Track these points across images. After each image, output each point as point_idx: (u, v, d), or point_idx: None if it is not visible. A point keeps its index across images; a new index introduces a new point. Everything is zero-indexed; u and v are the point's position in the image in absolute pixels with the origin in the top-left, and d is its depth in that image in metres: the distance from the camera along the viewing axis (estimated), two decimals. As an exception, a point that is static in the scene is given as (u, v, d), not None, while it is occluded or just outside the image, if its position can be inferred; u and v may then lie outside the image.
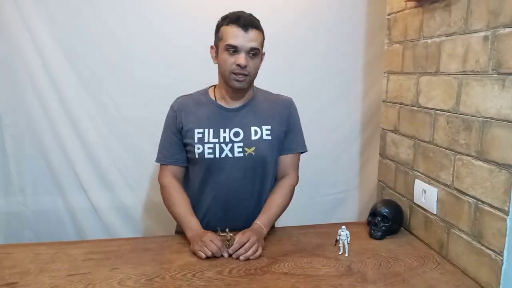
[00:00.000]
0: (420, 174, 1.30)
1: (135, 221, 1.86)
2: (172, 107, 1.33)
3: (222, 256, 1.17)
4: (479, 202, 1.03)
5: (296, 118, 1.36)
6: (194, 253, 1.18)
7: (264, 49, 1.26)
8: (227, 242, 1.18)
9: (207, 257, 1.16)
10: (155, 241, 1.31)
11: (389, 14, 1.50)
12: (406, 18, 1.38)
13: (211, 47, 1.28)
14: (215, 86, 1.34)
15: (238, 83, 1.22)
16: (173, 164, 1.32)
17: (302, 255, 1.18)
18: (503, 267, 0.95)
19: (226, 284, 1.03)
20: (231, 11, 1.23)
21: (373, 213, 1.34)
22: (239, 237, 1.18)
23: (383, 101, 1.55)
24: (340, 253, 1.19)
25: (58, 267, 1.13)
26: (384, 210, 1.32)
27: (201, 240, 1.19)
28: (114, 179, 1.80)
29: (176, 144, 1.30)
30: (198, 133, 1.26)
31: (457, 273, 1.09)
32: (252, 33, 1.19)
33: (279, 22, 1.72)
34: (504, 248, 0.94)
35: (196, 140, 1.26)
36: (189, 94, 1.35)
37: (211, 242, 1.18)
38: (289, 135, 1.34)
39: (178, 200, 1.29)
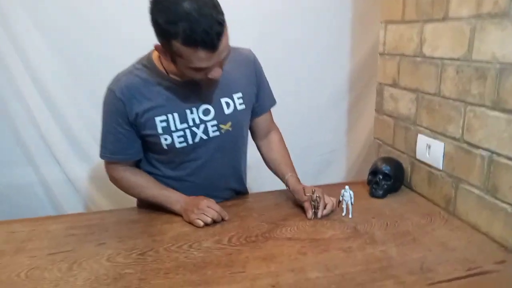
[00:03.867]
0: (423, 129, 1.23)
1: (117, 193, 1.74)
2: (113, 92, 1.04)
3: (224, 219, 1.10)
4: (494, 155, 0.97)
5: (261, 72, 1.21)
6: (191, 223, 1.09)
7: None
8: (313, 203, 1.10)
9: (206, 225, 1.07)
10: (143, 211, 1.21)
11: (387, -43, 1.38)
12: (407, -41, 1.26)
13: (156, 47, 0.96)
14: None
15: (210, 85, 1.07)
16: (125, 160, 1.14)
17: (304, 219, 1.11)
18: (519, 220, 0.91)
19: (227, 254, 0.95)
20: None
21: (374, 171, 1.27)
22: (323, 199, 1.11)
23: (380, 54, 1.45)
24: (343, 214, 1.13)
25: (36, 245, 1.01)
26: (386, 168, 1.26)
27: (197, 207, 1.09)
28: (89, 149, 1.65)
29: (126, 137, 1.08)
30: (161, 121, 1.05)
31: (467, 229, 1.05)
32: (222, 43, 0.90)
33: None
34: (520, 201, 0.90)
35: (160, 131, 1.06)
36: (131, 70, 1.06)
37: (209, 208, 1.09)
38: (260, 94, 1.21)
39: (145, 183, 1.15)
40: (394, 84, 1.37)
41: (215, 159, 1.16)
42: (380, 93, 1.47)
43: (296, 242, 1.00)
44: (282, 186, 1.27)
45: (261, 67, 1.23)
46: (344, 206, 1.12)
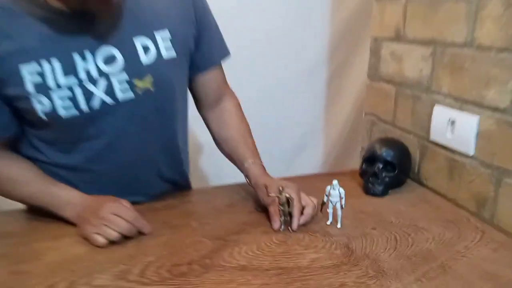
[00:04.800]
0: (443, 98, 0.85)
1: None
2: None
3: (143, 233, 0.69)
4: None
5: (206, 8, 0.81)
6: (88, 239, 0.67)
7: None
8: (281, 208, 0.70)
9: (113, 243, 0.66)
10: (27, 217, 0.78)
11: None
12: None
13: None
14: None
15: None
16: None
17: (268, 230, 0.72)
18: None
19: (132, 303, 0.55)
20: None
21: (371, 159, 0.89)
22: (298, 201, 0.72)
23: (377, -2, 1.06)
24: (328, 223, 0.75)
25: None
26: (387, 153, 0.88)
27: (98, 215, 0.67)
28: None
29: None
30: (31, 73, 0.64)
31: (518, 248, 0.69)
32: None
33: None
34: None
35: (31, 89, 0.65)
36: None
37: (117, 216, 0.67)
38: (204, 39, 0.80)
39: (22, 175, 0.73)
40: (398, 37, 0.99)
41: (131, 137, 0.74)
42: (375, 53, 1.08)
43: (254, 274, 0.60)
44: (232, 178, 0.88)
45: (205, 3, 0.81)
46: (330, 210, 0.74)
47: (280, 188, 0.69)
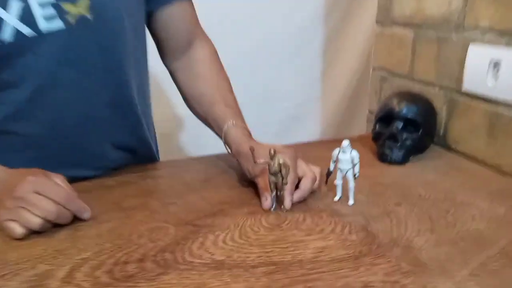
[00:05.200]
0: (481, 34, 0.66)
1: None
2: None
3: (81, 218, 0.50)
4: None
5: None
6: (0, 228, 0.48)
7: None
8: (272, 178, 0.51)
9: (36, 233, 0.47)
10: None
11: None
12: None
13: None
14: None
15: None
16: None
17: (255, 211, 0.53)
18: None
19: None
20: None
21: (387, 117, 0.70)
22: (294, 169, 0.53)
23: None
24: (336, 198, 0.55)
25: None
26: (409, 110, 0.68)
27: (16, 196, 0.47)
28: None
29: None
30: None
31: None
32: None
33: None
34: None
35: None
36: None
37: (41, 195, 0.47)
38: None
39: None
40: (416, -34, 0.78)
41: (65, 86, 0.54)
42: (386, -9, 0.88)
43: (234, 274, 0.41)
44: (216, 148, 0.69)
45: None
46: (338, 182, 0.55)
47: (272, 152, 0.50)
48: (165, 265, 0.42)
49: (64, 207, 0.48)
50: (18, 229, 0.46)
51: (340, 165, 0.54)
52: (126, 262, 0.43)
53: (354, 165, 0.53)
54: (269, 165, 0.50)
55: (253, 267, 0.42)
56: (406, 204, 0.55)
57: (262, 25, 1.20)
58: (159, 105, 0.83)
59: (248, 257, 0.43)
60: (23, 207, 0.46)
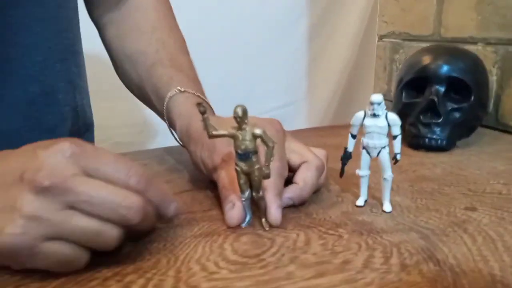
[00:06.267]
0: None
1: None
2: None
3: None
4: None
5: None
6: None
7: None
8: (245, 167, 0.26)
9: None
10: None
11: None
12: None
13: None
14: None
15: None
16: None
17: (218, 231, 0.28)
18: None
19: None
20: None
21: (420, 79, 0.46)
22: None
23: None
24: (360, 202, 0.31)
25: None
26: (455, 67, 0.45)
27: (40, 184, 0.20)
28: None
29: None
30: None
31: None
32: None
33: None
34: None
35: None
36: None
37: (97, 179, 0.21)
38: None
39: None
40: None
41: None
42: None
43: None
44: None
45: None
46: (363, 173, 0.31)
47: (239, 112, 0.25)
48: None
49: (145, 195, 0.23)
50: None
51: (366, 141, 0.30)
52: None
53: (394, 139, 0.29)
54: (234, 140, 0.26)
55: None
56: (485, 208, 0.31)
57: (246, 21, 1.00)
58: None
59: None
60: (73, 208, 0.21)
